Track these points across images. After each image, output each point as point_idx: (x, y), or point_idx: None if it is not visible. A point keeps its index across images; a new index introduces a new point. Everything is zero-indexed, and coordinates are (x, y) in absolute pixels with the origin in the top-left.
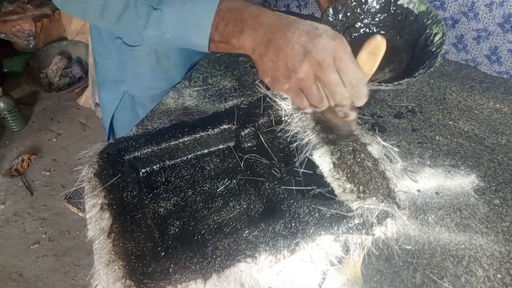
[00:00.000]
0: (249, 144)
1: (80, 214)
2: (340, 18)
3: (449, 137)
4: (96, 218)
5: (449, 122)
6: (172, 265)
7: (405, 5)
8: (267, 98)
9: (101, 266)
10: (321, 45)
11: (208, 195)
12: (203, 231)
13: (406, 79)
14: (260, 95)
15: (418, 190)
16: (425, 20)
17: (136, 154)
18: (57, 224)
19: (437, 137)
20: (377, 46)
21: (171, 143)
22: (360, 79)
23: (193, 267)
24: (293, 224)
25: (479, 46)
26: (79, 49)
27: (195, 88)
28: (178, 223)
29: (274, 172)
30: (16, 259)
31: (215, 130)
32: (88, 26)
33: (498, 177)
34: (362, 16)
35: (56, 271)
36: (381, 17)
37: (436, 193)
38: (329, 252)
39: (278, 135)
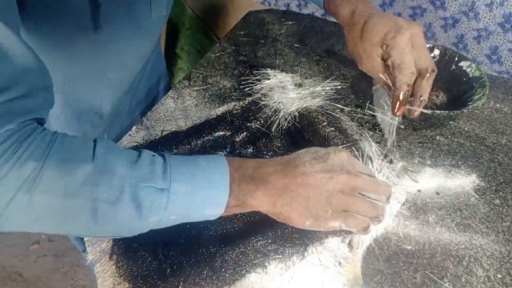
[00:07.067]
0: (244, 150)
1: None
2: None
3: (449, 136)
4: (95, 240)
5: (450, 122)
6: (181, 283)
7: (464, 68)
8: (261, 102)
9: None
10: (337, 162)
11: None
12: (207, 244)
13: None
14: (251, 99)
15: (419, 190)
16: (475, 83)
17: None
18: None
19: (437, 137)
20: None
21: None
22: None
23: (203, 283)
24: (300, 229)
25: (479, 45)
26: None
27: (195, 88)
28: (180, 237)
29: None
30: (16, 259)
31: (209, 137)
32: None
33: (499, 177)
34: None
35: (56, 271)
36: (442, 71)
37: (437, 193)
38: (337, 254)
39: (272, 137)
